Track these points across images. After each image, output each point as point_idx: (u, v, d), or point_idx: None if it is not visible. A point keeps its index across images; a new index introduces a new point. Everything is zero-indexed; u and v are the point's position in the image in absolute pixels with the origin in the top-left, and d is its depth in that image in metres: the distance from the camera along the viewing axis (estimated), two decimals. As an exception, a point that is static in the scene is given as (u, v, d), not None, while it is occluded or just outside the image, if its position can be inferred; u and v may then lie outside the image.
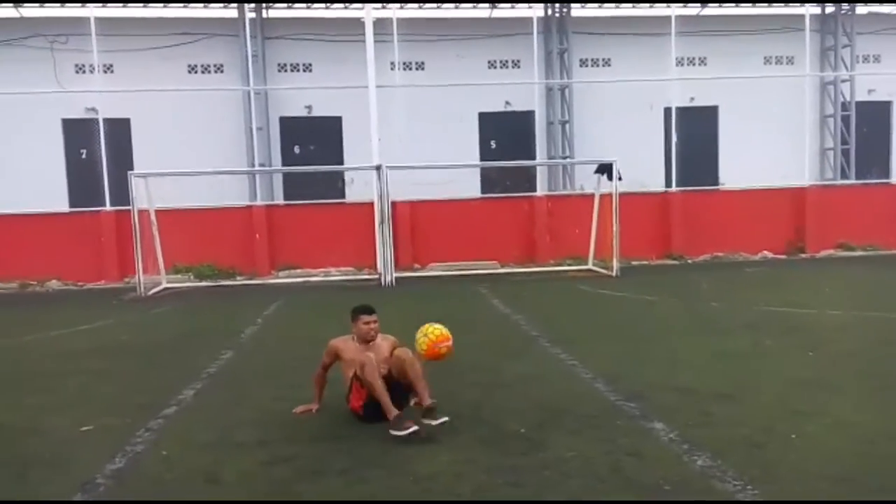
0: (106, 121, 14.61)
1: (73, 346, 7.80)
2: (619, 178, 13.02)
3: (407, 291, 11.98)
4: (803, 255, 15.52)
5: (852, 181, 16.93)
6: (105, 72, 15.33)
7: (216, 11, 16.20)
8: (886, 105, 17.57)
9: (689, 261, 15.27)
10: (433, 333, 4.43)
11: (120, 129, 15.37)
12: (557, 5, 16.64)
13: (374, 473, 3.61)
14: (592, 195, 14.24)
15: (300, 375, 5.58)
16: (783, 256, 15.52)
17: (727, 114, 17.12)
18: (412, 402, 4.65)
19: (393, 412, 4.12)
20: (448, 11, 16.87)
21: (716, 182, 16.94)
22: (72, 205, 15.49)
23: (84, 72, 15.41)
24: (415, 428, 4.00)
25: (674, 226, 15.57)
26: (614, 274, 12.97)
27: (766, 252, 15.66)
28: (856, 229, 15.71)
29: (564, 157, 16.60)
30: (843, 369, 5.55)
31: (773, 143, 16.55)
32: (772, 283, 11.53)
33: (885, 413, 4.36)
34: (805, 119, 16.06)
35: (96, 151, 14.68)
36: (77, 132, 15.61)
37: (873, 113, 17.44)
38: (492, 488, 3.38)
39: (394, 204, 13.85)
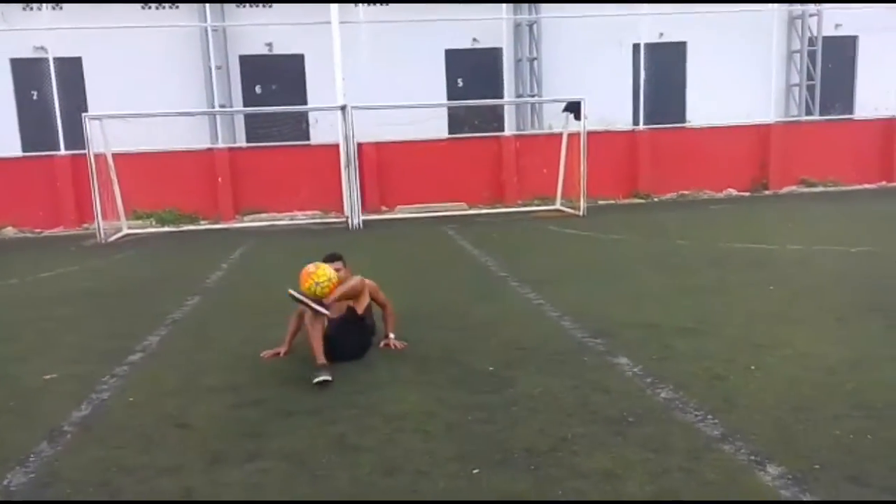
0: (56, 60, 13.97)
1: (35, 294, 7.65)
2: (586, 117, 12.96)
3: (374, 234, 11.92)
4: (767, 192, 15.73)
5: (815, 117, 17.06)
6: (54, 8, 14.59)
7: (169, -57, 15.41)
8: (852, 40, 17.57)
9: (656, 199, 15.39)
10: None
11: (72, 69, 14.71)
12: (525, -63, 16.15)
13: (344, 413, 3.64)
14: (560, 134, 14.16)
15: (267, 319, 5.56)
16: (747, 194, 15.72)
17: (695, 50, 16.96)
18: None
19: (318, 360, 4.19)
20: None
21: (683, 120, 16.95)
22: (25, 149, 14.91)
23: (31, 8, 14.65)
24: (324, 377, 4.02)
25: (641, 164, 15.58)
26: (581, 214, 13.03)
27: (730, 189, 15.83)
28: (817, 165, 15.92)
29: (532, 96, 16.41)
30: (803, 302, 5.69)
31: (741, 79, 16.47)
32: (736, 220, 11.70)
33: (843, 343, 4.49)
34: (772, 55, 16.04)
35: (48, 92, 14.10)
36: (27, 72, 14.91)
37: (839, 48, 17.43)
38: (462, 425, 3.43)
39: (360, 145, 13.62)
